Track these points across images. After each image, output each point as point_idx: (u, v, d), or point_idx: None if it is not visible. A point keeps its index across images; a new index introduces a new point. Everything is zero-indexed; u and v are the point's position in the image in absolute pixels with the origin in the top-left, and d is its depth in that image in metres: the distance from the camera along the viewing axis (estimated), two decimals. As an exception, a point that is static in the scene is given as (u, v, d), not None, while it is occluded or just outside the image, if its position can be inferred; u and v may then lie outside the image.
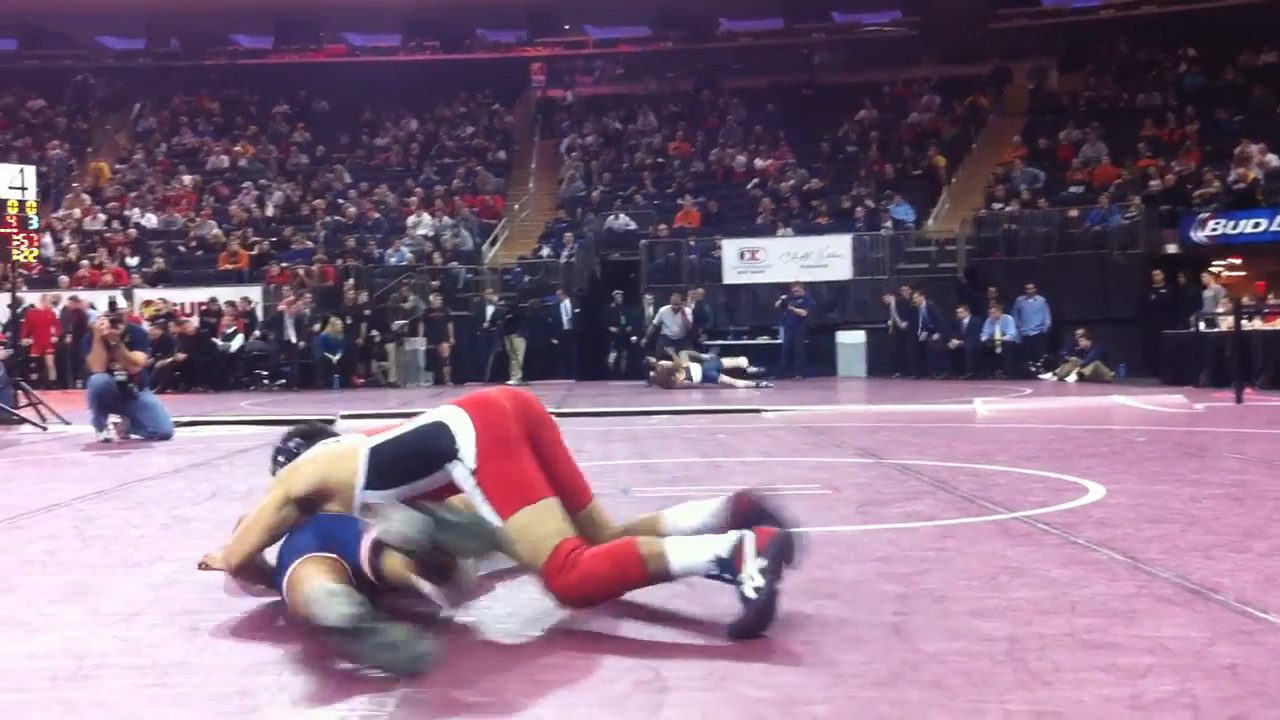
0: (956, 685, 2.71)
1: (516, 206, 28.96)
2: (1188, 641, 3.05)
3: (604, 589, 3.32)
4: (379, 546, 3.23)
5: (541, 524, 3.32)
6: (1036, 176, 24.87)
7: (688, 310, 21.41)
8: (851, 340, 22.32)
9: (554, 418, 3.69)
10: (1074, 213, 23.12)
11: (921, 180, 26.70)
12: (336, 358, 21.70)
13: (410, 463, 3.47)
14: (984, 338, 20.85)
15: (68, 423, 12.54)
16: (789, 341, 21.82)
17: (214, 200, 29.35)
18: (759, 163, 28.17)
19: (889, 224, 24.24)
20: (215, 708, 2.68)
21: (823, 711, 2.54)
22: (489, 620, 3.46)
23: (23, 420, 12.80)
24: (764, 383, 18.93)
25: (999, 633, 3.17)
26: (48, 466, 8.83)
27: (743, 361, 19.74)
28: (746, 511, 3.53)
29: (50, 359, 22.50)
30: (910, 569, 4.08)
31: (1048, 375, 19.75)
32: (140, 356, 10.94)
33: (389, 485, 3.47)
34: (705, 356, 19.74)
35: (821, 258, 23.34)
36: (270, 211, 28.77)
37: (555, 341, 22.97)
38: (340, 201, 28.68)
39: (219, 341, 22.21)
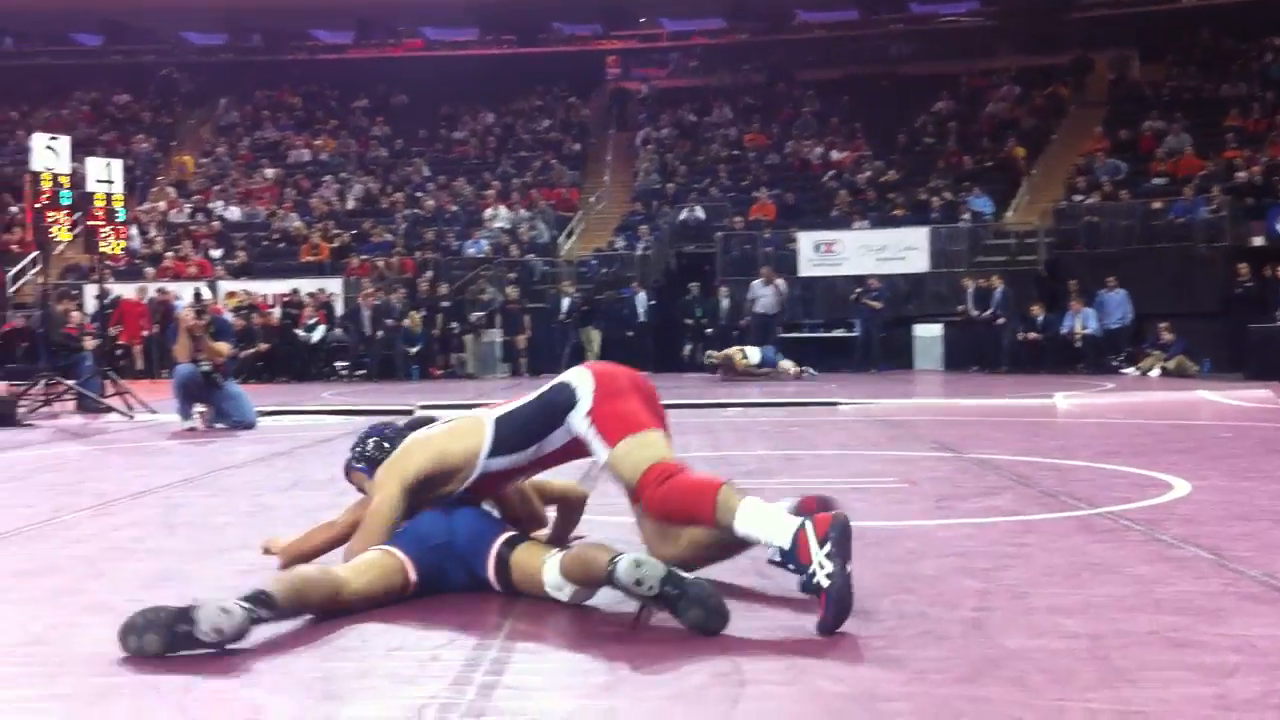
0: (1038, 683, 2.69)
1: (592, 199, 29.03)
2: (1276, 640, 3.00)
3: (678, 514, 3.49)
4: (505, 554, 3.50)
5: (644, 448, 3.54)
6: (1118, 168, 24.47)
7: (780, 283, 21.37)
8: (928, 334, 22.10)
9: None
10: (1157, 205, 22.70)
11: (1000, 172, 26.38)
12: (415, 350, 21.90)
13: (536, 423, 3.69)
14: (1064, 331, 20.55)
15: (154, 411, 12.79)
16: (864, 334, 21.68)
17: (295, 193, 29.74)
18: (835, 155, 27.99)
19: (967, 216, 23.99)
20: (300, 693, 2.73)
21: (903, 708, 2.53)
22: (570, 610, 3.48)
23: (110, 409, 13.07)
24: (809, 370, 19.24)
25: (1081, 630, 3.14)
26: (135, 454, 9.01)
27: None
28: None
29: (138, 349, 22.94)
30: (990, 564, 4.05)
31: (1130, 370, 19.43)
32: (224, 347, 11.12)
33: (514, 450, 3.69)
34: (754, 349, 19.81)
35: (898, 250, 23.15)
36: (350, 204, 29.10)
37: (630, 334, 23.00)
38: (419, 195, 28.94)
39: (300, 333, 22.50)
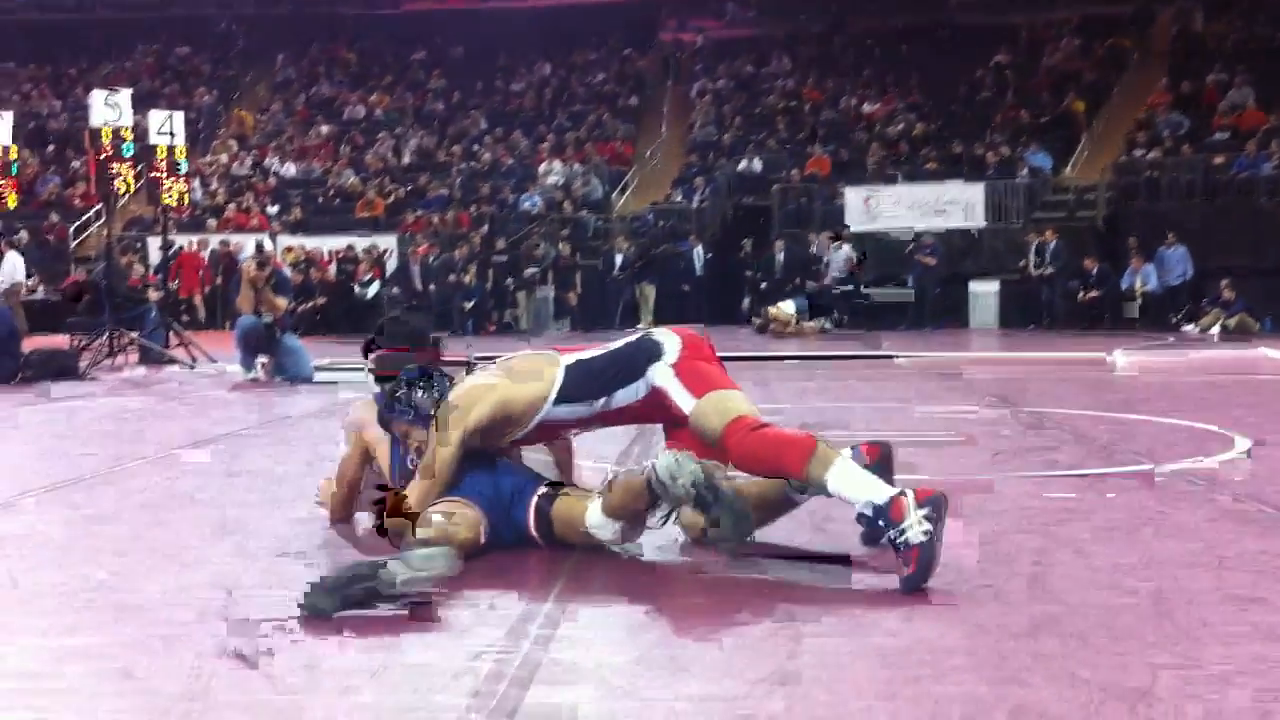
0: (1100, 640, 2.66)
1: (648, 153, 28.90)
2: (1343, 600, 2.96)
3: (766, 463, 3.44)
4: (545, 506, 3.49)
5: (733, 400, 3.55)
6: (1180, 122, 23.99)
7: (849, 247, 21.09)
8: (984, 290, 21.86)
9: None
10: (1219, 159, 22.26)
11: (1059, 126, 25.96)
12: (470, 305, 21.97)
13: (611, 373, 3.64)
14: (1124, 287, 20.27)
15: (216, 363, 12.93)
16: (918, 291, 21.48)
17: (351, 150, 29.84)
18: (890, 108, 27.67)
19: (1025, 171, 23.65)
20: (359, 642, 2.75)
21: (962, 662, 2.51)
22: (623, 564, 3.49)
23: (173, 360, 13.23)
24: (828, 325, 19.48)
25: (1143, 586, 3.11)
26: (197, 405, 9.11)
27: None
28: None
29: (200, 301, 23.19)
30: (1049, 520, 4.01)
31: (1189, 327, 19.13)
32: (282, 301, 11.19)
33: (582, 399, 3.64)
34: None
35: (953, 206, 22.89)
36: (406, 160, 29.17)
37: (686, 288, 22.93)
38: (475, 148, 28.94)
39: (356, 288, 22.65)
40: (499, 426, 3.64)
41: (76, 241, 26.78)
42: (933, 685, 2.36)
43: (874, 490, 3.27)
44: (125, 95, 13.87)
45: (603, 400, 3.65)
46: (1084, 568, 3.34)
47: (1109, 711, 2.23)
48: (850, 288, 20.76)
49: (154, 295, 15.41)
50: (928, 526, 3.12)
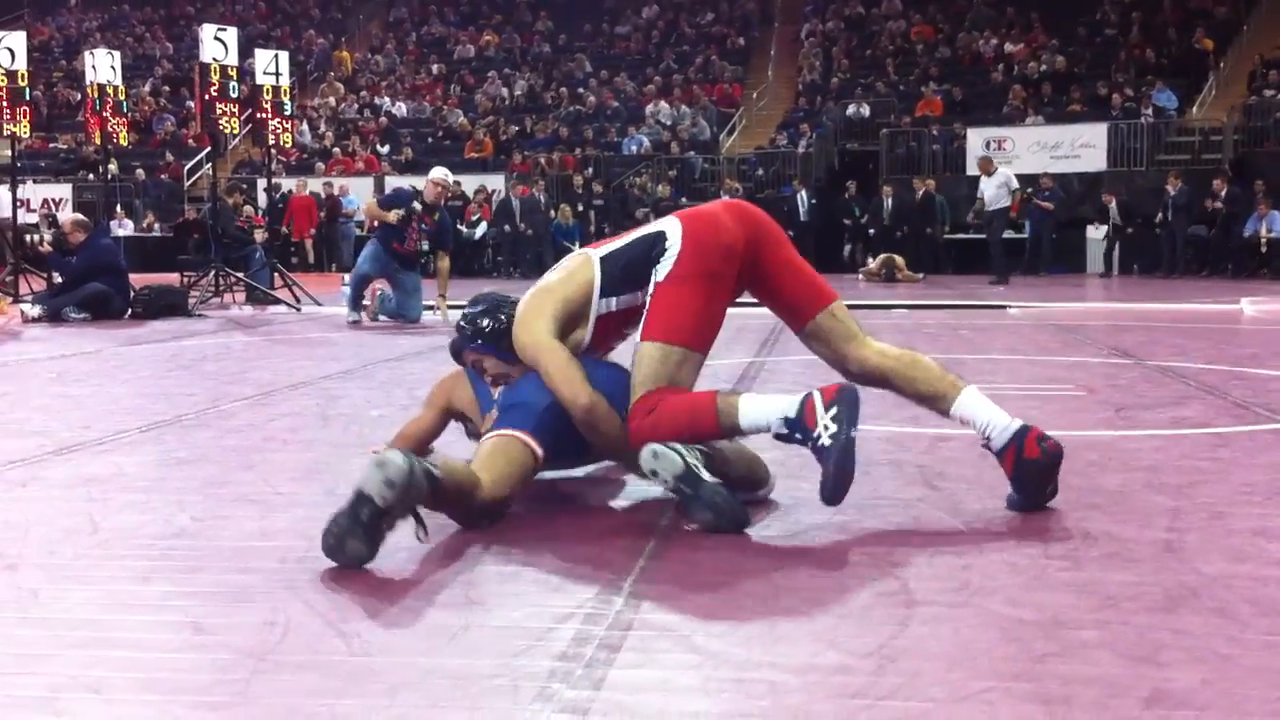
0: (1245, 613, 2.42)
1: (754, 95, 28.47)
2: None
3: (674, 434, 3.18)
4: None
5: (655, 363, 3.28)
6: (1315, 61, 22.99)
7: (1004, 172, 19.16)
8: (1103, 235, 21.19)
9: (776, 227, 3.55)
10: (1355, 100, 21.30)
11: (1186, 65, 25.00)
12: (576, 246, 21.86)
13: (635, 267, 3.42)
14: (1248, 234, 19.47)
15: (320, 304, 12.97)
16: (1034, 236, 20.88)
17: (460, 89, 29.83)
18: (1009, 47, 26.86)
19: (1149, 112, 22.83)
20: (440, 598, 2.61)
21: (1092, 637, 2.29)
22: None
23: (278, 300, 13.31)
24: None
25: (1290, 556, 2.85)
26: (298, 345, 9.10)
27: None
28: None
29: (309, 243, 23.41)
30: (1182, 480, 3.74)
31: (1319, 276, 18.36)
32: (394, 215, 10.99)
33: (622, 290, 3.43)
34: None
35: (1074, 148, 22.20)
36: (514, 100, 29.08)
37: (791, 233, 22.49)
38: (580, 90, 28.75)
39: (464, 229, 22.64)
40: (568, 324, 3.43)
41: (190, 181, 27.20)
42: (1060, 664, 2.15)
43: (784, 405, 3.14)
44: (232, 33, 13.88)
45: (639, 293, 3.41)
46: (1223, 533, 3.08)
47: (1257, 697, 2.00)
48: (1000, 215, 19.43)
49: (259, 236, 15.52)
50: (835, 429, 3.01)
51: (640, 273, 3.40)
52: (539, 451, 3.28)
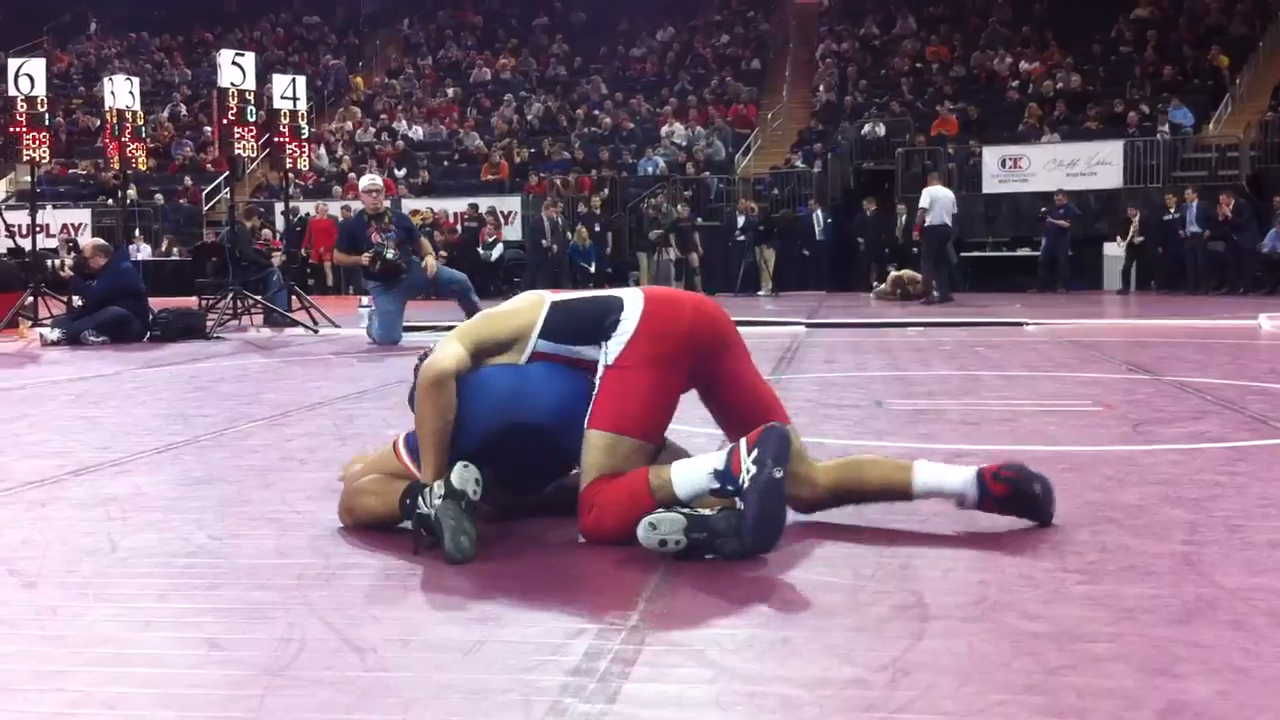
0: (1262, 626, 2.41)
1: (769, 116, 28.52)
2: None
3: (619, 524, 3.07)
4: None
5: (600, 454, 3.14)
6: (1333, 77, 22.93)
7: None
8: (1120, 253, 21.14)
9: (740, 339, 3.42)
10: (1373, 116, 21.22)
11: (1202, 82, 24.97)
12: (592, 267, 21.91)
13: (581, 324, 3.31)
14: (1265, 249, 19.38)
15: (337, 326, 13.01)
16: (1049, 253, 20.84)
17: (476, 112, 29.97)
18: (1024, 65, 26.87)
19: (1165, 129, 22.79)
20: (456, 616, 2.62)
21: (1108, 650, 2.28)
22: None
23: (295, 323, 13.36)
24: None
25: (1308, 569, 2.83)
26: (315, 366, 9.13)
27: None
28: (1005, 488, 3.21)
29: (329, 265, 23.51)
30: (1200, 494, 3.73)
31: (1338, 292, 18.26)
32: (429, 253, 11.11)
33: (562, 340, 3.32)
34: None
35: (1090, 165, 22.17)
36: (529, 123, 29.20)
37: (807, 252, 22.61)
38: (596, 113, 28.86)
39: (480, 250, 22.74)
40: (490, 347, 3.33)
41: (209, 205, 27.36)
42: (1075, 677, 2.14)
43: (714, 460, 3.06)
44: (250, 58, 13.98)
45: (572, 348, 3.31)
46: (1240, 546, 3.07)
47: (1274, 709, 1.99)
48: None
49: (277, 259, 15.60)
50: (755, 470, 2.92)
51: (584, 331, 3.30)
52: (412, 469, 3.29)
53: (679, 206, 22.86)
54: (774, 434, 2.99)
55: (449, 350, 3.24)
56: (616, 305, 3.29)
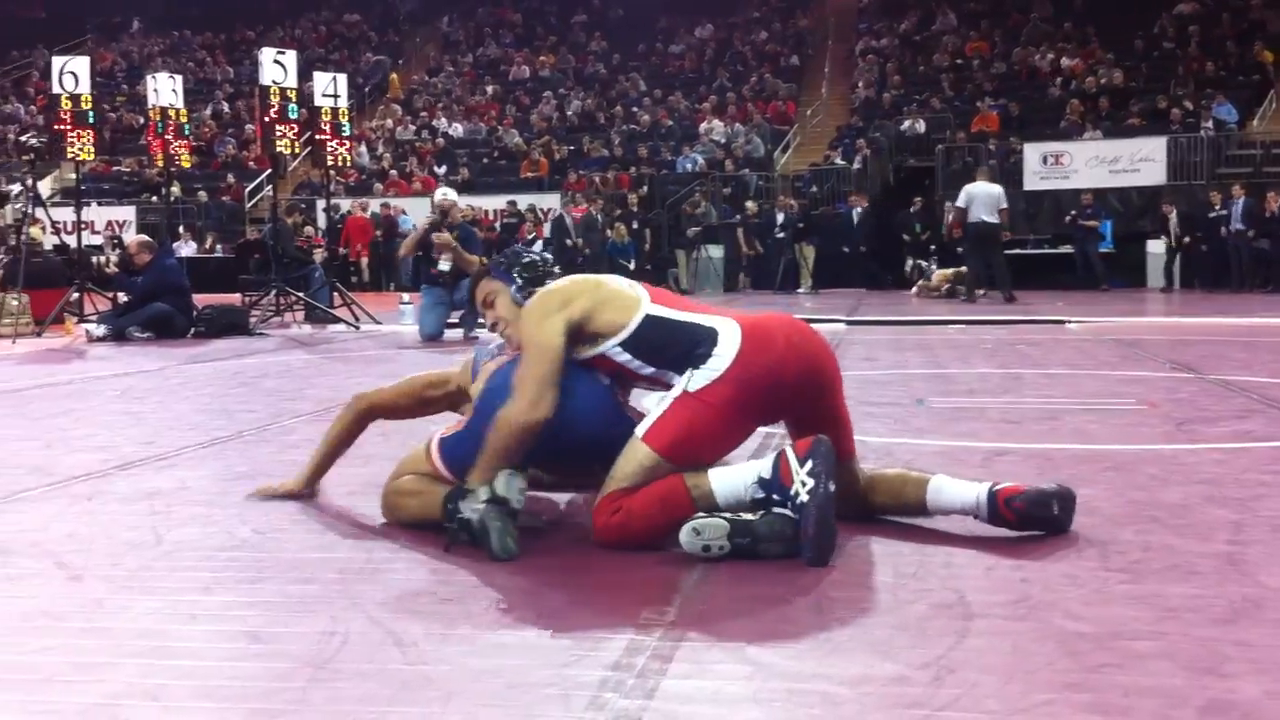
0: (1309, 627, 2.39)
1: (809, 112, 28.42)
2: None
3: (648, 528, 3.04)
4: None
5: (640, 468, 3.06)
6: (1380, 72, 22.62)
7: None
8: (1163, 250, 20.93)
9: (838, 371, 3.30)
10: None
11: (1246, 77, 24.69)
12: (631, 264, 21.91)
13: (668, 350, 3.17)
14: (1313, 248, 19.11)
15: (379, 322, 13.08)
16: (1081, 255, 20.65)
17: (515, 110, 30.03)
18: (1066, 62, 26.64)
19: (1209, 125, 22.54)
20: (497, 611, 2.62)
21: (1151, 648, 2.26)
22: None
23: (337, 319, 13.43)
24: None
25: (1356, 569, 2.80)
26: (356, 363, 9.17)
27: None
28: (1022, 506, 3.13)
29: (365, 262, 23.64)
30: (1244, 493, 3.69)
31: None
32: (473, 257, 11.13)
33: (639, 355, 3.20)
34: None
35: (1133, 162, 21.95)
36: (569, 120, 29.25)
37: (846, 249, 22.52)
38: (635, 110, 28.86)
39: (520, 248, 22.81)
40: (579, 337, 3.20)
41: (251, 202, 27.55)
42: (1120, 676, 2.12)
43: (757, 467, 3.03)
44: (291, 56, 14.06)
45: (653, 369, 3.21)
46: (1286, 547, 3.04)
47: (1322, 711, 1.97)
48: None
49: (319, 256, 15.69)
50: (812, 484, 2.88)
51: (669, 356, 3.18)
52: (445, 474, 3.30)
53: (719, 204, 22.83)
54: (823, 446, 2.97)
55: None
56: (710, 337, 3.14)
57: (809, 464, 2.93)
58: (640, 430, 3.13)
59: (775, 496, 2.98)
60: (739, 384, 3.08)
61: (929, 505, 3.22)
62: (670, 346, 3.18)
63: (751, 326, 3.18)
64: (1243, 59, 25.24)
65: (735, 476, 3.06)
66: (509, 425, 3.08)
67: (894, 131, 25.22)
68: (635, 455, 3.10)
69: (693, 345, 3.15)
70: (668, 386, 3.20)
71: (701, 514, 2.99)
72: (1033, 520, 3.13)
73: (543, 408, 3.08)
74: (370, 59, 33.66)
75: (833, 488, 2.92)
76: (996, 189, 17.44)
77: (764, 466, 3.02)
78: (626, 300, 3.25)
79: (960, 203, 17.28)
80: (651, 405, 3.22)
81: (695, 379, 3.11)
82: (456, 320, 11.23)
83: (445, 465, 3.27)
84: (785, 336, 3.19)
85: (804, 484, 2.91)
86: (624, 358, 3.22)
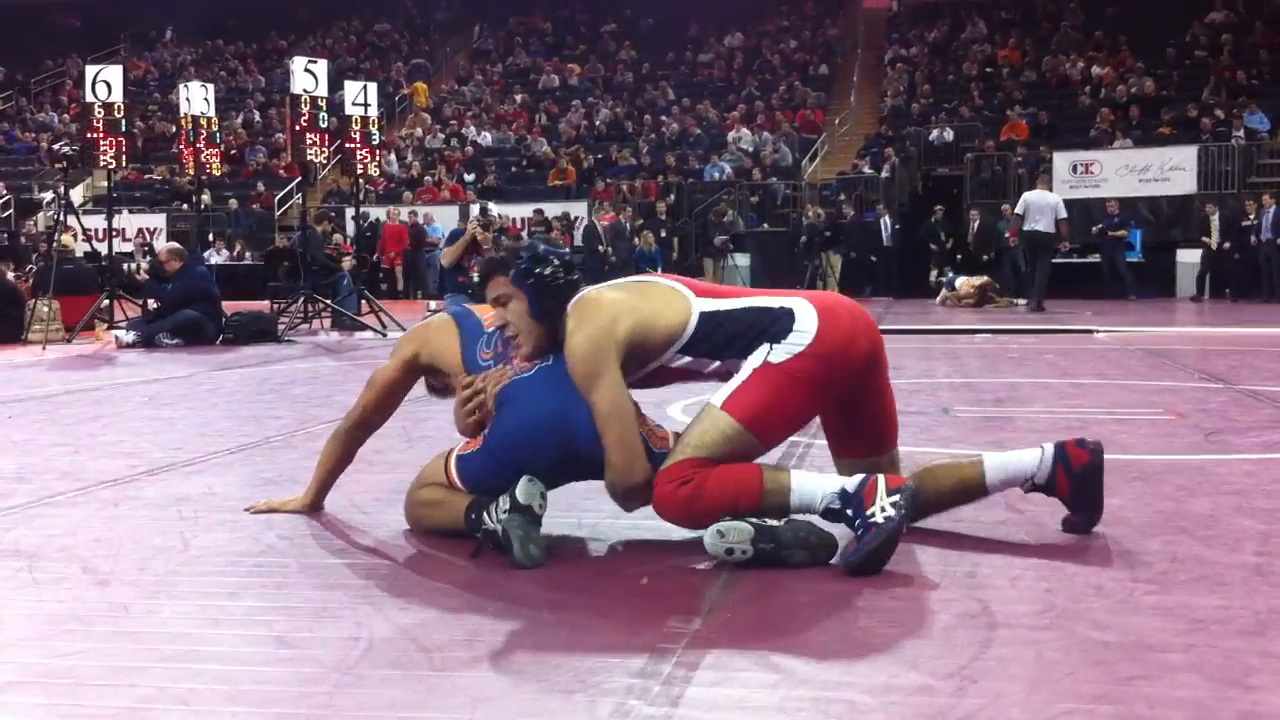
0: (1338, 640, 2.37)
1: (837, 121, 28.40)
2: None
3: (713, 507, 3.00)
4: None
5: (719, 437, 3.03)
6: None
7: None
8: (1193, 259, 20.80)
9: (884, 349, 3.32)
10: None
11: (1279, 86, 24.52)
12: (658, 272, 21.95)
13: (733, 339, 3.12)
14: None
15: (404, 329, 13.11)
16: (1108, 264, 20.54)
17: (544, 118, 30.11)
18: (1096, 70, 26.53)
19: (1240, 134, 22.40)
20: (523, 618, 2.63)
21: (1179, 660, 2.25)
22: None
23: (365, 327, 13.49)
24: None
25: (1386, 582, 2.78)
26: (383, 371, 9.19)
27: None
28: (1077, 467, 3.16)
29: (398, 270, 23.77)
30: (1273, 504, 3.67)
31: None
32: None
33: (704, 354, 3.16)
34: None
35: (1163, 171, 21.83)
36: (597, 128, 29.31)
37: (874, 258, 22.48)
38: (663, 118, 28.90)
39: (546, 256, 22.86)
40: (633, 361, 3.11)
41: (281, 210, 27.71)
42: (1146, 687, 2.11)
43: (840, 480, 3.03)
44: (322, 65, 14.15)
45: (719, 362, 3.16)
46: (1316, 558, 3.01)
47: (1351, 724, 1.95)
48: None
49: (347, 264, 15.76)
50: (891, 512, 2.88)
51: (735, 345, 3.13)
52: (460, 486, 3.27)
53: (746, 212, 22.83)
54: (917, 495, 3.00)
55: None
56: (786, 313, 3.14)
57: (896, 497, 2.93)
58: (718, 400, 3.09)
59: (849, 512, 2.97)
60: (820, 359, 3.09)
61: (988, 476, 3.21)
62: (738, 337, 3.14)
63: (822, 304, 3.20)
64: (1275, 67, 25.08)
65: (818, 481, 3.06)
66: (617, 491, 3.11)
67: (923, 140, 25.17)
68: (716, 423, 3.06)
69: (767, 324, 3.13)
70: (724, 372, 3.18)
71: (729, 516, 2.98)
72: (1094, 472, 3.16)
73: (638, 468, 3.07)
74: (403, 69, 33.82)
75: (905, 527, 2.93)
76: (1054, 198, 17.51)
77: (850, 482, 3.01)
78: (676, 303, 3.19)
79: (1018, 210, 17.31)
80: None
81: (776, 351, 3.09)
82: None
83: (465, 485, 3.25)
84: (850, 315, 3.22)
85: (883, 509, 2.91)
86: (684, 360, 3.20)
